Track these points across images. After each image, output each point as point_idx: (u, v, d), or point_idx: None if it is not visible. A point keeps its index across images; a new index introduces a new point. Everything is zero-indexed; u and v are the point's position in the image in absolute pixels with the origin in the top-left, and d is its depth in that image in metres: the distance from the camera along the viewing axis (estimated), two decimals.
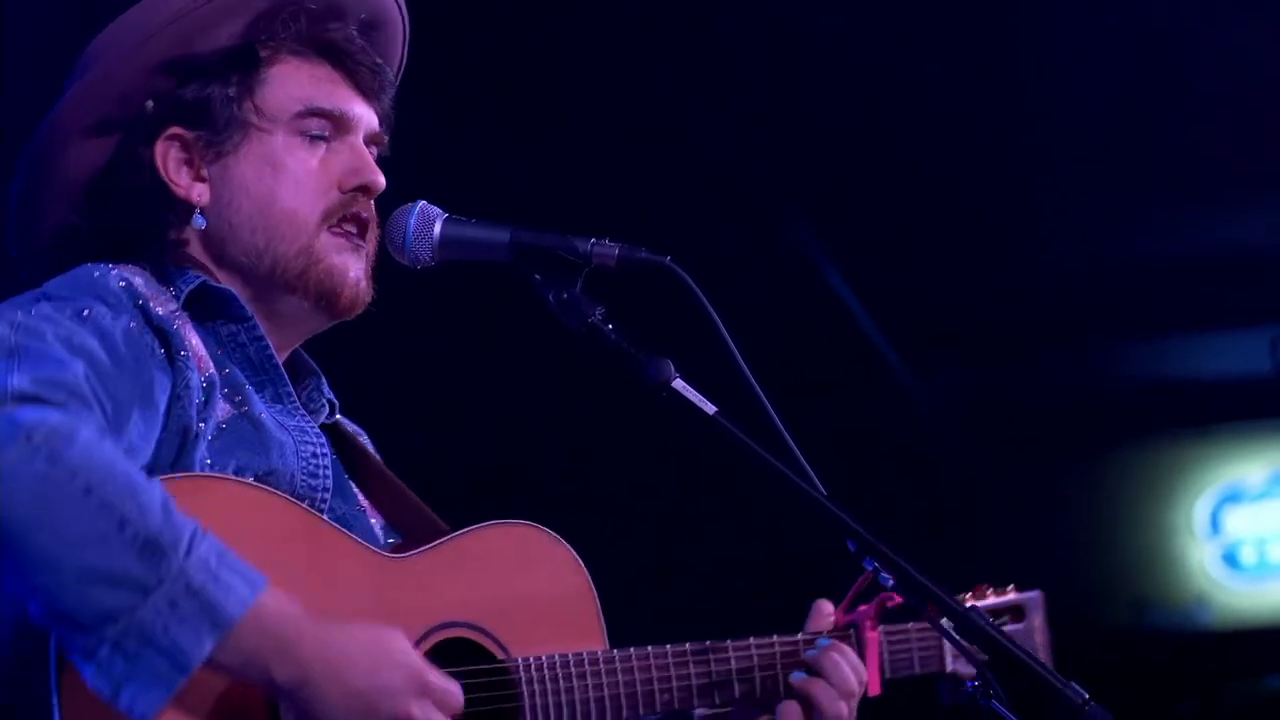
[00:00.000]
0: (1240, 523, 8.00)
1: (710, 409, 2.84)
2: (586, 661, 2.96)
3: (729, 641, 3.14)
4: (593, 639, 3.03)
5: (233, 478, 2.77)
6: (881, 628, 3.26)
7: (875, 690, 3.21)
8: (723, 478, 5.11)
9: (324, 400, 3.16)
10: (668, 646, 3.07)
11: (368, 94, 3.11)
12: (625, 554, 6.64)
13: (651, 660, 3.04)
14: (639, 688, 3.01)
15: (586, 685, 2.96)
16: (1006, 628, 3.47)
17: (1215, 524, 7.99)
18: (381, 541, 3.09)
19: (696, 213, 6.55)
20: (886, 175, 6.71)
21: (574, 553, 3.05)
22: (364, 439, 3.29)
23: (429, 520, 3.10)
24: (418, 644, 2.79)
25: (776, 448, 2.85)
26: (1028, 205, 6.94)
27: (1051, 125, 6.62)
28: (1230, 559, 7.99)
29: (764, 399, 2.87)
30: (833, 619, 3.26)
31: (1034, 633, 3.54)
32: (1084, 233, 7.07)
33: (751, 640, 3.17)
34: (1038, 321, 7.29)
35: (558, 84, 6.24)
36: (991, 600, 3.49)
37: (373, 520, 3.14)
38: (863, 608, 3.26)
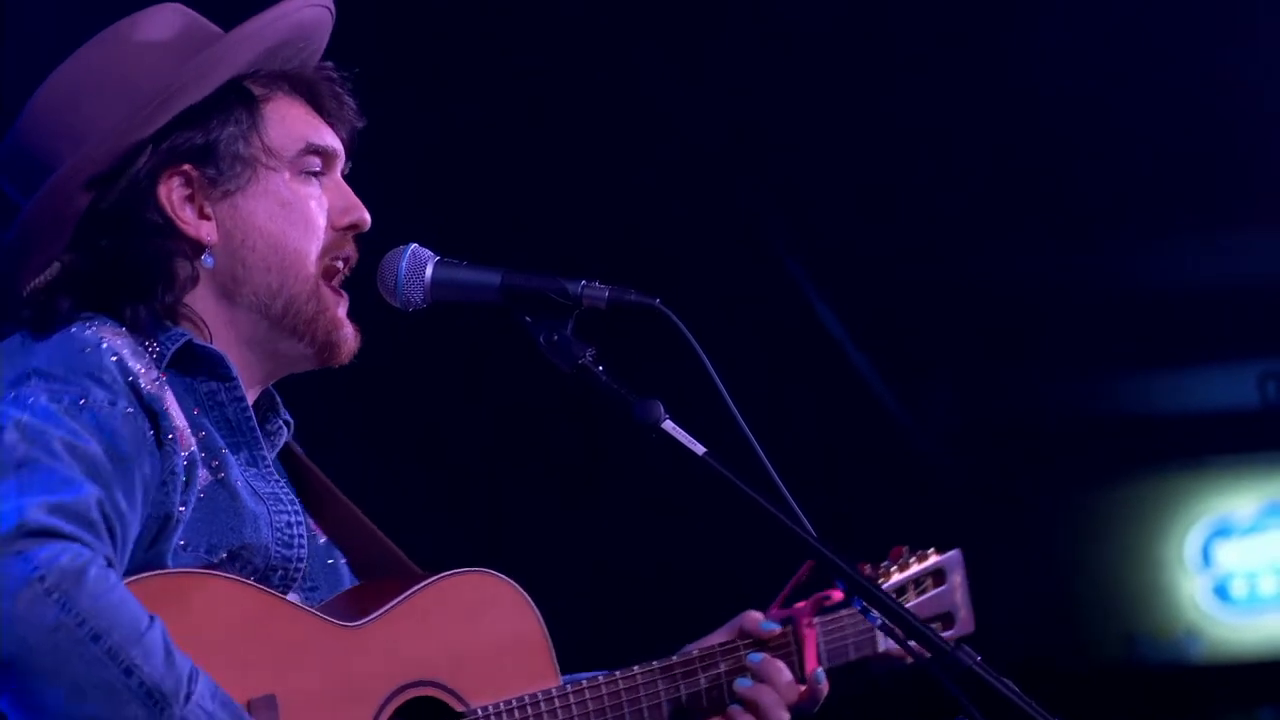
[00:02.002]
0: (1231, 556, 8.01)
1: (699, 449, 2.86)
2: (541, 701, 3.02)
3: (675, 658, 3.21)
4: (547, 678, 3.08)
5: (194, 571, 2.79)
6: (817, 620, 3.32)
7: (810, 682, 3.26)
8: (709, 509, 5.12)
9: (280, 422, 3.16)
10: (617, 673, 3.13)
11: (339, 125, 3.12)
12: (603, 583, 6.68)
13: (603, 689, 3.09)
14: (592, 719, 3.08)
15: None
16: (929, 593, 3.53)
17: (1206, 557, 8.00)
18: (322, 560, 3.13)
19: (682, 237, 6.57)
20: (877, 203, 6.73)
21: (524, 594, 3.08)
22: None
23: (375, 540, 3.13)
24: (381, 708, 2.86)
25: (766, 487, 2.87)
26: (1018, 238, 6.96)
27: (1044, 157, 6.64)
28: (1221, 592, 8.00)
29: (753, 440, 2.88)
30: (762, 618, 3.30)
31: (955, 591, 3.58)
32: (1074, 267, 7.09)
33: (695, 653, 3.23)
34: (1027, 357, 7.31)
35: (545, 102, 6.27)
36: (915, 568, 3.53)
37: (320, 540, 3.16)
38: (800, 604, 3.32)
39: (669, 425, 2.88)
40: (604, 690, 3.09)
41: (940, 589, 3.56)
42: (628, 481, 6.42)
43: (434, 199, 5.90)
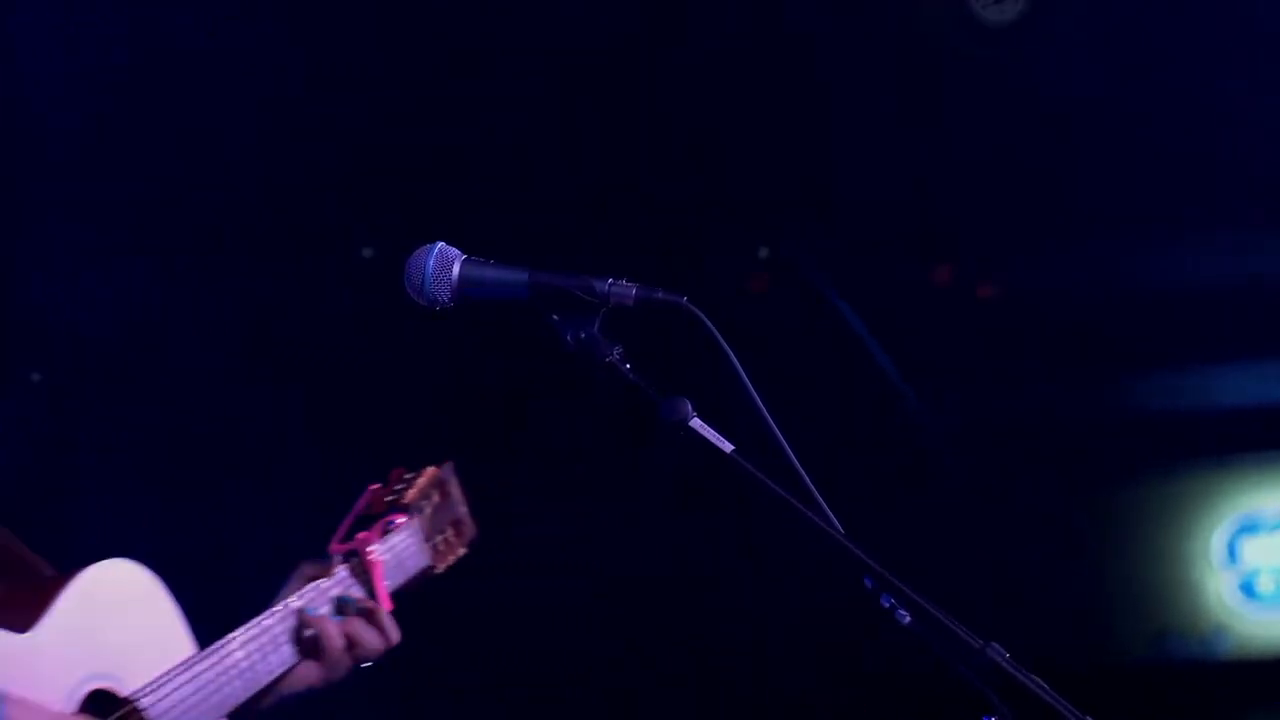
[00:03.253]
0: (1258, 552, 7.99)
1: (728, 447, 2.86)
2: (184, 668, 3.14)
3: (277, 606, 3.38)
4: (186, 647, 3.22)
5: None
6: (379, 545, 3.52)
7: (388, 606, 3.47)
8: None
9: None
10: (236, 631, 3.27)
11: None
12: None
13: (234, 645, 3.23)
14: (232, 673, 3.22)
15: (190, 688, 3.14)
16: (441, 504, 3.72)
17: (1233, 554, 7.98)
18: None
19: (697, 238, 6.58)
20: (899, 201, 6.73)
21: (154, 576, 3.19)
22: None
23: None
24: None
25: (794, 485, 2.86)
26: (1042, 232, 6.95)
27: (1069, 152, 6.63)
28: (1248, 588, 7.98)
29: (781, 437, 2.88)
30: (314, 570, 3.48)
31: (458, 502, 3.79)
32: (1100, 262, 7.08)
33: (293, 597, 3.40)
34: (1053, 352, 7.30)
35: (552, 102, 6.28)
36: (423, 481, 3.70)
37: None
38: (361, 534, 3.51)
39: (697, 423, 2.88)
40: (233, 646, 3.24)
41: (448, 499, 3.74)
42: (632, 481, 6.44)
43: (442, 199, 5.92)
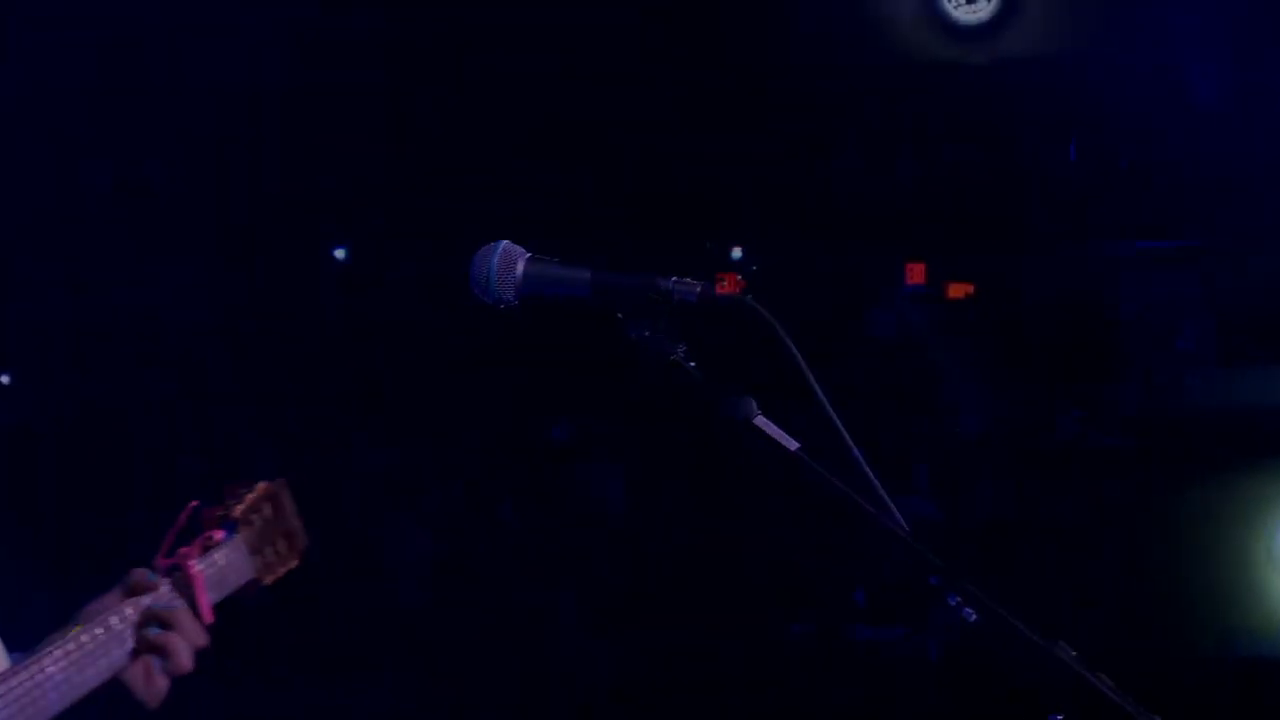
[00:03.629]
0: None
1: (792, 445, 2.85)
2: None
3: (95, 617, 3.35)
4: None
5: None
6: (201, 560, 3.52)
7: (209, 619, 3.48)
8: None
9: None
10: (51, 645, 3.25)
11: None
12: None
13: (48, 659, 3.22)
14: (46, 686, 3.21)
15: (1, 703, 3.15)
16: (273, 517, 3.71)
17: None
18: None
19: (757, 245, 6.61)
20: (955, 209, 6.75)
21: None
22: None
23: None
24: None
25: (859, 483, 2.86)
26: (1096, 241, 6.96)
27: (1115, 157, 6.65)
28: None
29: (846, 435, 2.87)
30: (147, 573, 3.46)
31: (290, 515, 3.77)
32: (1159, 269, 7.08)
33: (114, 610, 3.37)
34: (1115, 358, 7.30)
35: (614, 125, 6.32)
36: (254, 496, 3.71)
37: None
38: (183, 549, 3.50)
39: (761, 421, 2.88)
40: (42, 662, 3.22)
41: (280, 513, 3.75)
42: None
43: (425, 197, 5.96)
